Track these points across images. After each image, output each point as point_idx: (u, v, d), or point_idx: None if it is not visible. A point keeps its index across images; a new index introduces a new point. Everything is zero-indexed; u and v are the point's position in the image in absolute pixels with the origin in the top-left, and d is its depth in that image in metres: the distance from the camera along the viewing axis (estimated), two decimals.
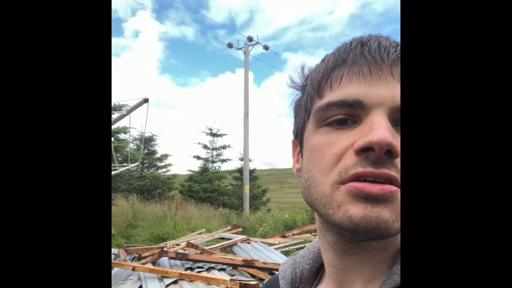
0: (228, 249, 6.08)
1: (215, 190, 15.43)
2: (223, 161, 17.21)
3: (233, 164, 17.75)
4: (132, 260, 5.46)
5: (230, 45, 15.85)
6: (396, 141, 0.38)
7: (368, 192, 0.38)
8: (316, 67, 0.49)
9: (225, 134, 17.41)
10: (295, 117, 0.53)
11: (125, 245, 6.80)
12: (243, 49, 15.57)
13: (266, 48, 16.08)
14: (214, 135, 17.22)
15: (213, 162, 17.09)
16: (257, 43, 15.72)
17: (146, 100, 1.85)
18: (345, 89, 0.42)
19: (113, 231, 7.77)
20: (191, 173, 16.62)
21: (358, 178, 0.39)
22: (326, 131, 0.44)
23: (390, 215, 0.38)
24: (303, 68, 0.52)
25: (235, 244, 6.09)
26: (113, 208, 8.43)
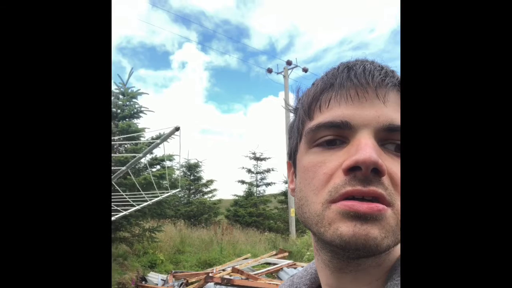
0: (274, 274, 5.95)
1: (260, 214, 15.37)
2: (267, 184, 17.18)
3: (277, 188, 17.63)
4: (180, 286, 5.51)
5: (269, 70, 16.20)
6: (382, 159, 0.40)
7: (357, 210, 0.39)
8: (306, 91, 0.52)
9: (269, 158, 17.47)
10: (289, 138, 0.56)
11: (173, 271, 6.91)
12: (283, 73, 15.85)
13: (305, 70, 16.30)
14: (257, 159, 17.34)
15: (257, 186, 17.11)
16: (296, 66, 15.98)
17: (177, 129, 1.92)
18: (333, 111, 0.45)
19: (161, 257, 7.95)
20: (236, 197, 16.75)
21: (347, 196, 0.40)
22: (316, 152, 0.46)
23: (379, 232, 0.39)
24: (298, 91, 0.54)
25: (281, 269, 5.96)
26: (161, 234, 8.65)
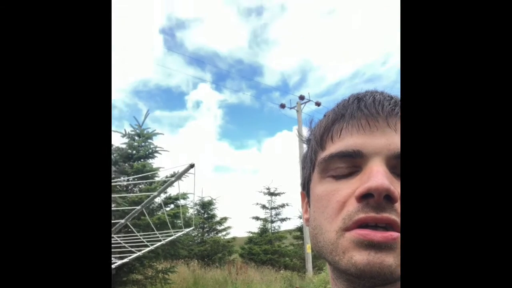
0: None
1: (275, 251, 14.95)
2: (282, 220, 16.84)
3: (293, 223, 17.23)
4: None
5: (282, 106, 16.48)
6: (394, 186, 0.41)
7: (371, 240, 0.40)
8: (318, 122, 0.54)
9: (283, 193, 17.25)
10: (302, 169, 0.57)
11: None
12: (296, 108, 16.09)
13: (318, 104, 16.51)
14: (272, 194, 17.15)
15: (272, 222, 16.78)
16: (309, 100, 16.20)
17: (192, 166, 1.95)
18: (345, 141, 0.46)
19: None
20: (251, 234, 16.41)
21: (361, 224, 0.41)
22: (329, 181, 0.47)
23: (393, 260, 0.39)
24: (311, 122, 0.56)
25: None
26: (174, 275, 8.45)
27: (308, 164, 0.53)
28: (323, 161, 0.48)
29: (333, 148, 0.47)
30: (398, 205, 0.41)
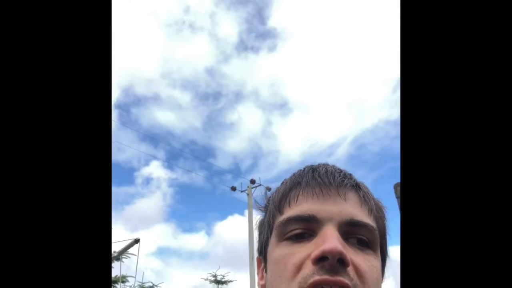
0: None
1: None
2: None
3: None
4: None
5: (233, 188, 16.12)
6: (346, 251, 0.44)
7: None
8: (276, 189, 0.59)
9: (230, 281, 14.80)
10: (259, 234, 0.61)
11: None
12: (246, 191, 15.71)
13: (268, 189, 15.30)
14: (218, 282, 14.62)
15: None
16: (259, 185, 15.82)
17: (137, 241, 1.90)
18: (301, 206, 0.51)
19: None
20: None
21: (316, 286, 0.44)
22: (286, 245, 0.50)
23: None
24: (266, 191, 0.62)
25: None
26: None
27: (266, 229, 0.57)
28: (281, 224, 0.51)
29: (290, 212, 0.51)
30: (350, 269, 0.44)
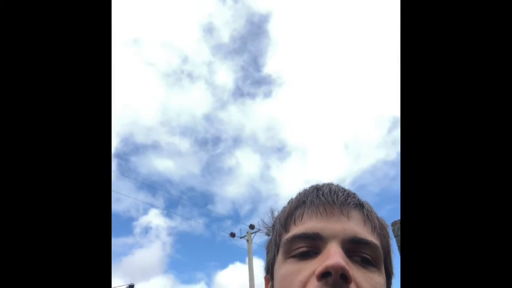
0: None
1: None
2: None
3: None
4: None
5: (232, 235, 15.55)
6: (349, 268, 0.45)
7: None
8: (282, 209, 0.61)
9: None
10: (267, 253, 0.63)
11: None
12: (246, 237, 15.17)
13: (268, 234, 15.31)
14: None
15: None
16: (259, 230, 14.87)
17: (131, 286, 1.86)
18: (306, 224, 0.53)
19: None
20: None
21: None
22: (292, 262, 0.51)
23: None
24: (272, 212, 0.64)
25: None
26: None
27: (273, 247, 0.59)
28: (287, 242, 0.53)
29: (296, 230, 0.53)
30: (353, 286, 0.45)
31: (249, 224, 15.39)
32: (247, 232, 15.26)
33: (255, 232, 15.14)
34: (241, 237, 15.38)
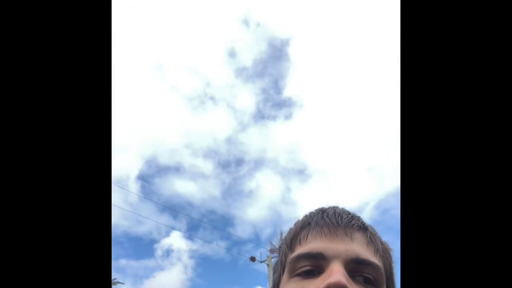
0: None
1: None
2: None
3: None
4: None
5: (252, 259, 15.35)
6: (351, 286, 0.47)
7: None
8: (289, 230, 0.63)
9: None
10: (273, 274, 0.65)
11: None
12: (266, 262, 15.01)
13: (273, 251, 15.05)
14: None
15: None
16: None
17: None
18: (310, 244, 0.54)
19: None
20: None
21: None
22: (296, 280, 0.53)
23: None
24: (281, 234, 0.66)
25: None
26: None
27: (279, 267, 0.61)
28: (292, 261, 0.55)
29: (300, 249, 0.55)
30: None
31: (269, 248, 15.09)
32: (268, 256, 14.89)
33: (276, 256, 14.80)
34: (261, 262, 15.14)
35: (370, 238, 0.55)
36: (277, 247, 0.66)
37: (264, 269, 15.05)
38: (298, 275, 0.53)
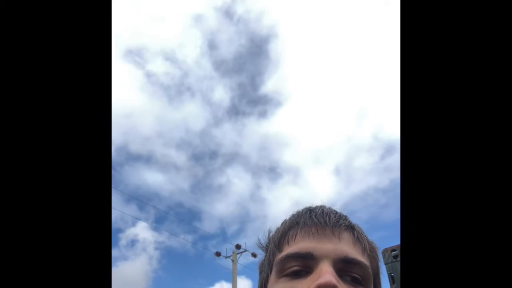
0: None
1: None
2: None
3: None
4: None
5: (218, 254, 15.36)
6: (340, 286, 0.47)
7: None
8: (276, 229, 0.63)
9: None
10: (260, 273, 0.64)
11: None
12: (231, 257, 15.03)
13: (254, 255, 14.86)
14: None
15: None
16: (245, 250, 15.24)
17: None
18: (299, 244, 0.54)
19: None
20: None
21: None
22: (285, 281, 0.53)
23: None
24: (269, 232, 0.65)
25: None
26: None
27: (266, 267, 0.60)
28: (280, 261, 0.55)
29: (289, 249, 0.55)
30: None
31: (235, 244, 15.13)
32: (233, 252, 15.02)
33: (241, 252, 14.96)
34: (226, 257, 15.12)
35: (358, 237, 0.56)
36: (264, 245, 0.65)
37: (229, 265, 15.01)
38: (287, 275, 0.53)
